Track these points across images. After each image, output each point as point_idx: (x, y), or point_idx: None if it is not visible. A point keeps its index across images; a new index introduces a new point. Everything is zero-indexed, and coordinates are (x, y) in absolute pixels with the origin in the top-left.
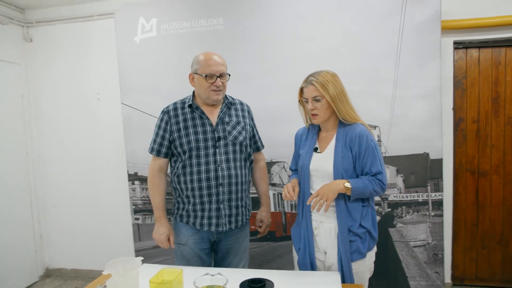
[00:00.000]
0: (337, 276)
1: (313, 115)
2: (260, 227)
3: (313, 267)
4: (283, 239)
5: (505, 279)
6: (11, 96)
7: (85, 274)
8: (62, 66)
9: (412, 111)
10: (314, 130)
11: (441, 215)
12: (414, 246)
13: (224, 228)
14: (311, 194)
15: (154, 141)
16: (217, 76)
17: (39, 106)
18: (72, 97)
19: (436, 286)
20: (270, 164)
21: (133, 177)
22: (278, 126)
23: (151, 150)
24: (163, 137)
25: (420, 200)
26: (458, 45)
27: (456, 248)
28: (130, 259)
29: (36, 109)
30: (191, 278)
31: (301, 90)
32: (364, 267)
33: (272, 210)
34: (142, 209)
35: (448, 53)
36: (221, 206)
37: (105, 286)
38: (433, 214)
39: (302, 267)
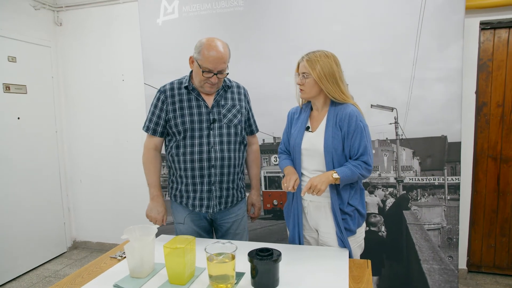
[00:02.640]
0: (345, 252)
1: (300, 90)
2: (253, 212)
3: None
4: None
5: None
6: (42, 77)
7: (109, 247)
8: (89, 48)
9: (432, 93)
10: (306, 109)
11: (458, 199)
12: (428, 230)
13: (215, 210)
14: (302, 173)
15: (150, 119)
16: (214, 73)
17: (68, 87)
18: (98, 78)
19: (449, 270)
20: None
21: None
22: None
23: (147, 129)
24: (159, 116)
25: (436, 183)
26: (485, 26)
27: (474, 235)
28: (146, 226)
29: (65, 90)
30: (203, 247)
31: (298, 64)
32: (355, 243)
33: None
34: (162, 186)
35: (472, 34)
36: (213, 187)
37: (124, 252)
38: (449, 198)
39: (292, 243)
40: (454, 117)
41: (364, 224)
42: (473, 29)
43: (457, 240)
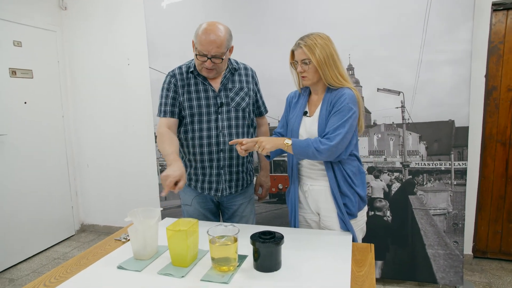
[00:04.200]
0: (348, 236)
1: (302, 77)
2: (260, 193)
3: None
4: None
5: None
6: (48, 62)
7: (116, 230)
8: (94, 32)
9: (439, 76)
10: (305, 94)
11: (464, 185)
12: (434, 215)
13: (225, 193)
14: (299, 163)
15: (165, 103)
16: (208, 58)
17: (74, 72)
18: (104, 62)
19: (454, 255)
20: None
21: None
22: None
23: (163, 113)
24: (174, 98)
25: (443, 168)
26: (497, 7)
27: (480, 221)
28: (150, 209)
29: (71, 74)
30: (207, 229)
31: (292, 52)
32: (357, 227)
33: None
34: None
35: (483, 16)
36: (222, 171)
37: (128, 234)
38: (455, 183)
39: (291, 226)
40: (462, 101)
41: (365, 208)
42: (484, 10)
43: (463, 226)
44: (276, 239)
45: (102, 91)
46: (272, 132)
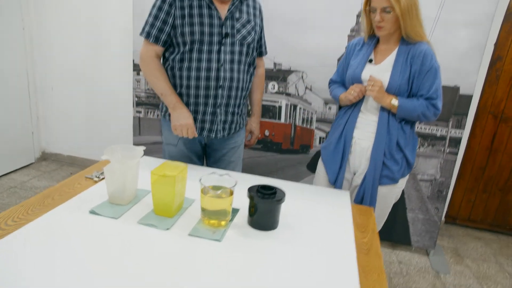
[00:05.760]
0: (346, 195)
1: (378, 27)
2: (249, 140)
3: (339, 186)
4: (288, 152)
5: (495, 224)
6: None
7: (81, 162)
8: None
9: (453, 38)
10: (371, 42)
11: (456, 153)
12: (421, 180)
13: (219, 135)
14: (360, 110)
15: (152, 24)
16: None
17: None
18: None
19: (433, 221)
20: (288, 73)
21: (138, 68)
22: (303, 33)
23: (147, 35)
24: (165, 22)
25: (438, 134)
26: None
27: (457, 188)
28: (131, 147)
29: None
30: (194, 177)
31: None
32: (393, 193)
33: (283, 121)
34: (145, 102)
35: None
36: (218, 110)
37: (101, 172)
38: (448, 151)
39: (330, 184)
40: (471, 68)
41: (407, 176)
42: None
43: (446, 193)
44: (277, 196)
45: (75, 3)
46: (328, 81)
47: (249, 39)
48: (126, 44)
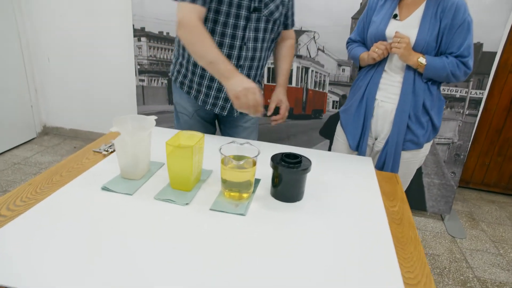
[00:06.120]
0: (369, 162)
1: None
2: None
3: (362, 152)
4: (300, 118)
5: (510, 187)
6: None
7: (84, 135)
8: None
9: None
10: None
11: (476, 115)
12: (438, 144)
13: (235, 114)
14: (383, 69)
15: None
16: None
17: None
18: None
19: (449, 185)
20: (298, 33)
21: (139, 33)
22: None
23: None
24: None
25: (457, 95)
26: None
27: (471, 152)
28: (141, 117)
29: None
30: (210, 146)
31: None
32: (416, 159)
33: (294, 85)
34: (148, 70)
35: None
36: None
37: (110, 145)
38: (467, 113)
39: (350, 150)
40: (498, 21)
41: (432, 141)
42: None
43: (464, 157)
44: (303, 165)
45: None
46: (347, 40)
47: (276, 14)
48: (124, 8)
